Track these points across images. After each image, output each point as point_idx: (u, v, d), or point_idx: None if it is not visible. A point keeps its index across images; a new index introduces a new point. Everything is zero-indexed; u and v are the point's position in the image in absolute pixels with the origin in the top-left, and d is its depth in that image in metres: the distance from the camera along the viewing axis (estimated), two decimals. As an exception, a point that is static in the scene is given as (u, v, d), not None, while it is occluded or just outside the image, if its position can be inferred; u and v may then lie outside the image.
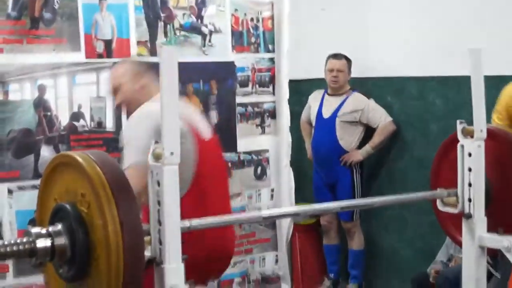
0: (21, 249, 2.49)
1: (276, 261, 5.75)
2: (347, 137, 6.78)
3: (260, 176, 5.66)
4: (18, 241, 2.51)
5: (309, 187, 6.99)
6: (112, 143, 5.01)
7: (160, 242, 2.59)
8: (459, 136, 3.45)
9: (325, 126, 6.83)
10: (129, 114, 3.78)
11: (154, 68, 3.32)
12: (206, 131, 4.02)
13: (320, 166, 6.92)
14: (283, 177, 5.73)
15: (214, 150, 4.08)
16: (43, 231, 2.53)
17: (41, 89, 4.81)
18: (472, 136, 3.41)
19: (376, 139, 6.70)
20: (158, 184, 2.58)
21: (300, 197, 6.03)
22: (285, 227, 5.76)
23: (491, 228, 3.46)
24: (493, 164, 3.51)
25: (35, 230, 2.54)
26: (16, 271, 4.75)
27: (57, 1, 4.78)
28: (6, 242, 2.50)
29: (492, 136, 3.51)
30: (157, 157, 2.58)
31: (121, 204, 2.42)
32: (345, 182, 6.79)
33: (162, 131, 2.57)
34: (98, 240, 2.45)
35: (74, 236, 2.49)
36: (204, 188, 3.78)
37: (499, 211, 3.53)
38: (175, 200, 2.60)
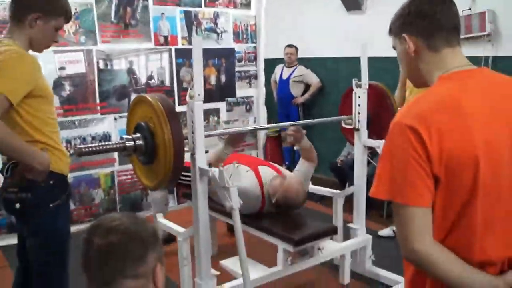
0: (118, 147, 2.54)
1: (257, 155, 5.76)
2: (296, 90, 6.76)
3: (249, 110, 5.63)
4: (116, 142, 2.55)
5: (275, 117, 6.99)
6: (169, 92, 4.97)
7: (193, 143, 2.60)
8: (354, 87, 3.45)
9: (284, 84, 6.82)
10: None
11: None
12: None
13: (281, 105, 6.92)
14: (261, 111, 5.70)
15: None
16: (130, 137, 2.56)
17: (131, 63, 4.75)
18: (360, 87, 3.41)
19: (311, 90, 6.69)
20: (192, 111, 2.58)
21: (270, 122, 6.02)
22: (261, 137, 5.75)
23: (370, 136, 3.49)
24: (371, 102, 3.52)
25: (125, 136, 2.57)
26: (119, 161, 4.75)
27: (138, 14, 4.70)
28: (110, 143, 2.54)
29: (372, 87, 3.51)
30: (191, 97, 2.57)
31: (172, 122, 2.44)
32: (294, 114, 6.79)
33: (194, 83, 2.56)
34: (160, 142, 2.47)
35: (147, 140, 2.52)
36: None
37: (374, 126, 3.55)
38: (201, 120, 2.59)
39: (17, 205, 2.26)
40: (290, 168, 7.14)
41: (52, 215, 2.31)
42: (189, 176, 2.78)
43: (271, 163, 3.62)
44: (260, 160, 3.81)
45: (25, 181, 2.23)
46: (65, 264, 2.40)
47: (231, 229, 4.42)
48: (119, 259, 1.33)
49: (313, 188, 3.85)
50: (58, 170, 2.30)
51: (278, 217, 3.23)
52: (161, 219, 3.24)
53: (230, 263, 3.02)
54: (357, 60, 3.44)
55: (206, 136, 2.65)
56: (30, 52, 2.29)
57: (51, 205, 2.30)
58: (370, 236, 3.63)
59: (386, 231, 4.59)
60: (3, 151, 2.18)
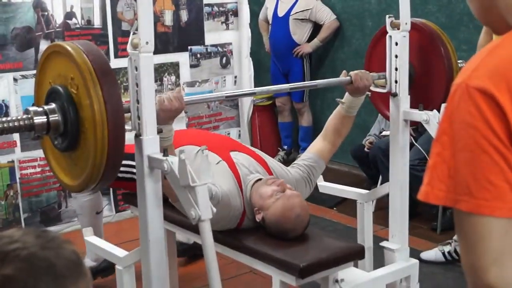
0: (22, 124, 2.50)
1: (239, 135, 5.76)
2: (299, 33, 6.76)
3: (225, 65, 5.62)
4: (19, 117, 2.52)
5: (266, 75, 6.99)
6: (99, 37, 4.96)
7: (139, 118, 2.58)
8: (388, 28, 3.43)
9: (280, 24, 6.81)
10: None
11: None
12: None
13: (276, 57, 6.94)
14: (244, 66, 5.69)
15: None
16: (40, 109, 2.53)
17: None
18: (398, 28, 3.40)
19: (323, 34, 6.69)
20: (136, 69, 2.55)
21: (259, 83, 6.01)
22: (246, 108, 5.75)
23: (413, 104, 3.48)
24: (415, 51, 3.50)
25: (33, 108, 2.54)
26: (22, 146, 4.76)
27: None
28: (9, 119, 2.50)
29: (416, 28, 3.50)
30: (135, 46, 2.54)
31: (105, 85, 2.41)
32: (297, 70, 6.81)
33: (139, 24, 2.53)
34: (86, 117, 2.45)
35: (66, 113, 2.50)
36: None
37: (419, 90, 3.54)
38: (150, 82, 2.58)
39: None
40: (290, 153, 7.17)
41: None
42: (133, 168, 2.75)
43: (247, 146, 3.57)
44: (229, 141, 3.71)
45: None
46: None
47: (187, 253, 4.42)
48: None
49: (326, 186, 3.83)
50: None
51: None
52: (91, 237, 3.22)
53: (198, 304, 3.03)
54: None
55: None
56: None
57: None
58: (417, 261, 3.64)
59: (431, 254, 4.62)
60: None
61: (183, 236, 4.37)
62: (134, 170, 2.76)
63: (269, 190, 3.11)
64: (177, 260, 4.23)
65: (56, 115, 2.51)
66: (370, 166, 5.66)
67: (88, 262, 4.02)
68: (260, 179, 3.22)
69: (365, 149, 5.64)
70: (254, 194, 3.16)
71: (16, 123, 2.49)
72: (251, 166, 3.30)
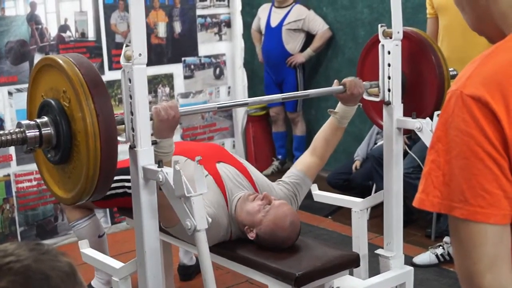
0: (15, 138, 2.50)
1: (234, 146, 5.76)
2: (292, 43, 6.75)
3: (219, 76, 5.63)
4: (11, 131, 2.52)
5: (260, 86, 6.97)
6: (94, 50, 4.98)
7: (133, 129, 2.58)
8: (380, 37, 3.43)
9: (273, 34, 6.80)
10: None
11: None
12: None
13: (270, 67, 6.92)
14: (238, 77, 5.70)
15: None
16: (32, 122, 2.53)
17: (33, 5, 4.76)
18: (391, 37, 3.39)
19: (316, 43, 6.68)
20: (130, 81, 2.55)
21: (252, 94, 6.01)
22: (240, 118, 5.76)
23: (405, 113, 3.47)
24: (407, 60, 3.50)
25: (25, 122, 2.55)
26: (18, 160, 4.76)
27: None
28: (1, 132, 2.50)
29: (407, 37, 3.49)
30: (128, 58, 2.55)
31: (97, 98, 2.42)
32: (290, 80, 6.79)
33: (131, 37, 2.52)
34: (78, 130, 2.45)
35: (58, 127, 2.50)
36: None
37: (411, 98, 3.54)
38: (144, 94, 2.58)
39: None
40: (284, 163, 7.15)
41: None
42: (127, 182, 2.73)
43: (233, 155, 3.51)
44: (215, 151, 3.61)
45: None
46: None
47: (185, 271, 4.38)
48: None
49: (321, 195, 3.82)
50: None
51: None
52: (87, 249, 3.20)
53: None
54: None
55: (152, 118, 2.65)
56: None
57: None
58: (412, 268, 3.62)
59: (424, 257, 4.61)
60: None
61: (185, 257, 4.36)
62: (127, 184, 2.75)
63: (256, 205, 3.08)
64: (175, 269, 4.22)
65: (48, 128, 2.52)
66: (351, 186, 5.75)
67: (97, 284, 3.99)
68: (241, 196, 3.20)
69: (353, 168, 5.75)
70: (240, 212, 3.13)
71: (8, 137, 2.49)
72: (237, 180, 3.27)
